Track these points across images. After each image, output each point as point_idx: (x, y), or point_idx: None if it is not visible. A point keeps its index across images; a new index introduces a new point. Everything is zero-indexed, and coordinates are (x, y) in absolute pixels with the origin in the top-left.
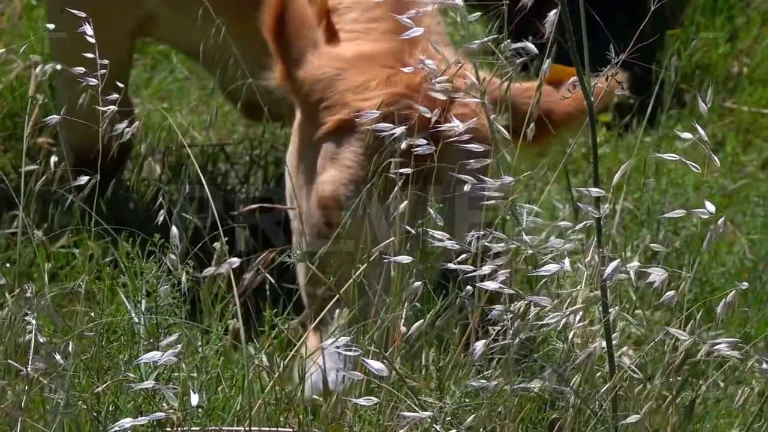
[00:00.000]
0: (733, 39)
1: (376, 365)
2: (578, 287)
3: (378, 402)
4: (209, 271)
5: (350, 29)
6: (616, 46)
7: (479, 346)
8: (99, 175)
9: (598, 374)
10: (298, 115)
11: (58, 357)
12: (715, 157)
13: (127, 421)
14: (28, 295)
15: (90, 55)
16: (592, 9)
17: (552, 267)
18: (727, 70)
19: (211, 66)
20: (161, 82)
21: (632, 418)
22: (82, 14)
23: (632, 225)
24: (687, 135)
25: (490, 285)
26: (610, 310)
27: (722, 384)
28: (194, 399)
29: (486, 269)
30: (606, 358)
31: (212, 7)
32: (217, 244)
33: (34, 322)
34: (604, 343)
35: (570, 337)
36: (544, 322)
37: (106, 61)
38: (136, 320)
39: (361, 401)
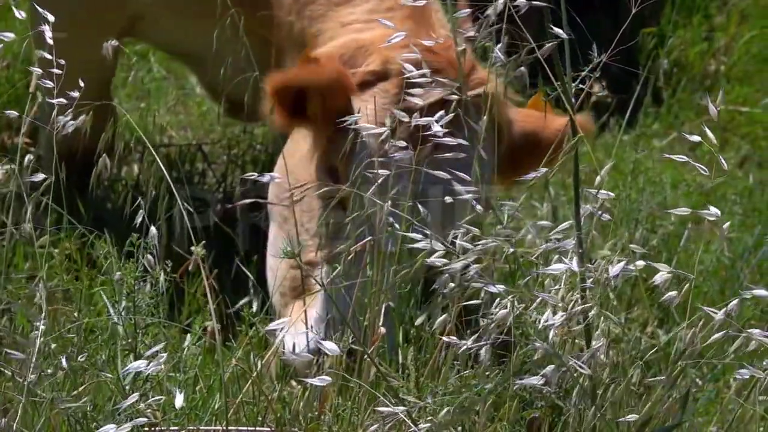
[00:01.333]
0: (710, 37)
1: (328, 345)
2: (558, 286)
3: (332, 381)
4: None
5: (367, 19)
6: (595, 45)
7: (484, 351)
8: (56, 174)
9: (577, 373)
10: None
11: (64, 361)
12: (723, 161)
13: (110, 427)
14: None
15: (45, 55)
16: (571, 7)
17: (560, 266)
18: (704, 68)
19: (197, 66)
20: (139, 82)
21: (631, 417)
22: (51, 17)
23: (610, 223)
24: (695, 138)
25: (497, 288)
26: (591, 310)
27: (700, 382)
28: (178, 401)
29: (457, 265)
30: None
31: (212, 6)
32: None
33: (42, 327)
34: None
35: (550, 336)
36: (547, 321)
37: (62, 61)
38: (115, 319)
39: (315, 381)
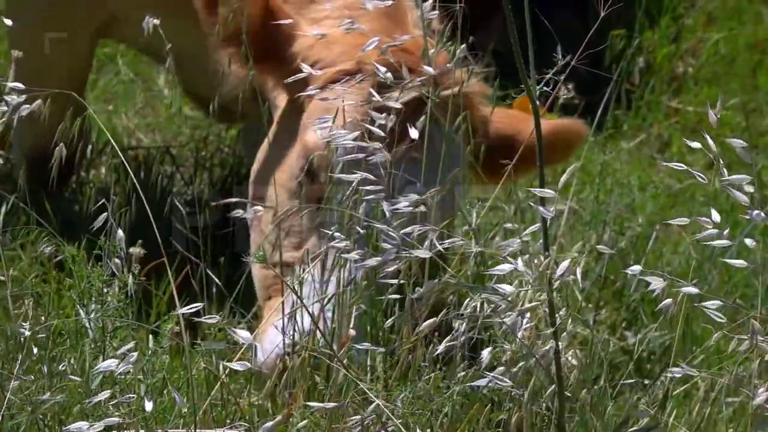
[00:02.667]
0: (677, 39)
1: (242, 333)
2: (526, 288)
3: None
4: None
5: (339, 15)
6: (563, 46)
7: (486, 353)
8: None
9: (545, 375)
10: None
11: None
12: (725, 171)
13: (84, 424)
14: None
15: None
16: (538, 9)
17: (506, 267)
18: (672, 70)
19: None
20: (107, 84)
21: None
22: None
23: (578, 225)
24: (696, 144)
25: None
26: (558, 312)
27: (668, 384)
28: (148, 405)
29: (372, 261)
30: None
31: (184, 7)
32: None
33: (27, 333)
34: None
35: (518, 338)
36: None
37: (19, 54)
38: (84, 322)
39: (236, 366)
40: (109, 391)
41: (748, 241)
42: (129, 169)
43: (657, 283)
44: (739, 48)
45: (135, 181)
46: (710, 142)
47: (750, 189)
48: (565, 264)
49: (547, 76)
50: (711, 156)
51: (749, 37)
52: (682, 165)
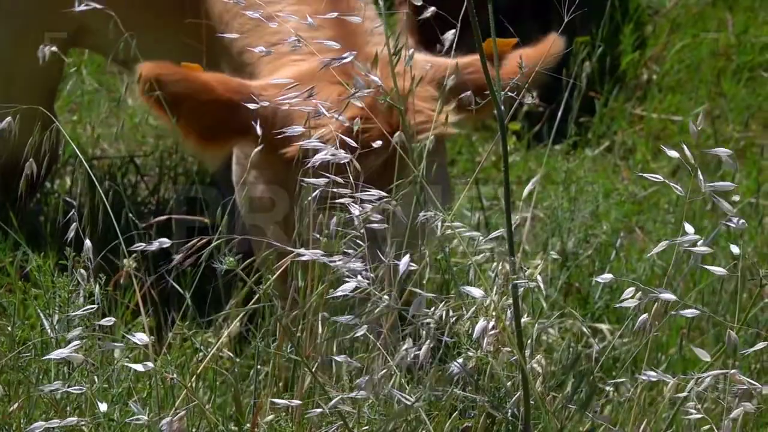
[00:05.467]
0: (642, 46)
1: (139, 336)
2: (491, 294)
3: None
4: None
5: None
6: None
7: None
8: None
9: (510, 383)
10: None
11: None
12: (702, 178)
13: (39, 425)
14: None
15: None
16: (502, 16)
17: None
18: (636, 77)
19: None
20: (71, 94)
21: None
22: None
23: (542, 233)
24: (674, 153)
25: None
26: (522, 318)
27: (632, 388)
28: (102, 406)
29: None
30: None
31: (159, 16)
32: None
33: None
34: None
35: (483, 344)
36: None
37: None
38: (49, 332)
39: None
40: (59, 382)
41: (733, 248)
42: (94, 179)
43: (631, 300)
44: (703, 55)
45: (100, 190)
46: (688, 153)
47: (736, 197)
48: (527, 272)
49: (511, 82)
50: (689, 166)
51: (713, 43)
52: (659, 177)
